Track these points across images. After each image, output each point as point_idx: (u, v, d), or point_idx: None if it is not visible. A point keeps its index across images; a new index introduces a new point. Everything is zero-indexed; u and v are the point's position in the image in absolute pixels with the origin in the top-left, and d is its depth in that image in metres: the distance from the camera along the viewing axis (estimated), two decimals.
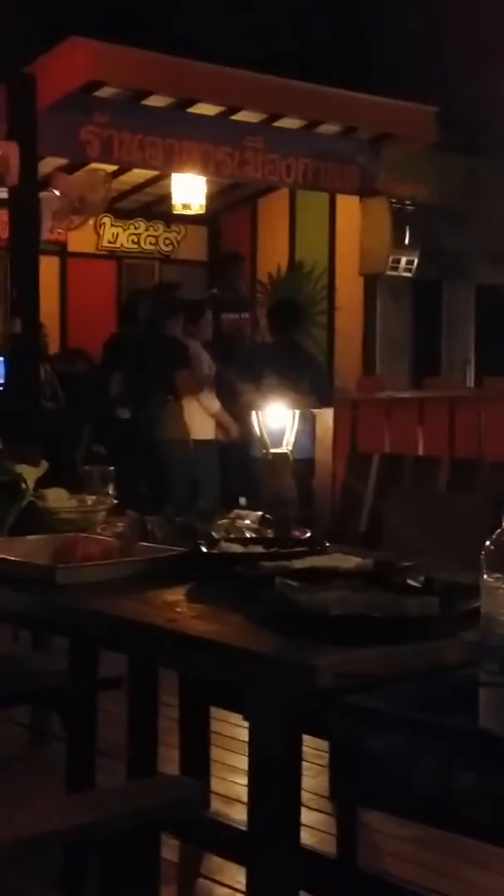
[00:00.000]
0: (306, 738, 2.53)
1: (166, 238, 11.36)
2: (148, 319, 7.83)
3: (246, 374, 7.14)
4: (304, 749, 2.12)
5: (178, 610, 2.26)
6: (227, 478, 7.42)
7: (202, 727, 3.28)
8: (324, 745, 3.10)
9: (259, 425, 4.69)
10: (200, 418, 7.36)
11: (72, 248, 10.73)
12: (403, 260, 9.90)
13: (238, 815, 3.25)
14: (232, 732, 3.84)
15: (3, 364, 8.82)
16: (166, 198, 10.04)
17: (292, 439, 4.46)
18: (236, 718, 3.52)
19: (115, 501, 3.12)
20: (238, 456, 7.28)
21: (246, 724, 2.05)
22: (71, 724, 3.36)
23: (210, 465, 7.39)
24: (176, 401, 7.30)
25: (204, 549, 2.61)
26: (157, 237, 11.32)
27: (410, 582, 2.23)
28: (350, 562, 2.44)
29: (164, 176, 9.77)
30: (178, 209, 9.81)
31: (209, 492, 7.25)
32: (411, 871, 3.26)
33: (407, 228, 9.86)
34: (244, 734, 2.11)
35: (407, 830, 3.31)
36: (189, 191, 9.64)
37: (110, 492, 3.14)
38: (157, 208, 10.88)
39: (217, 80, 8.76)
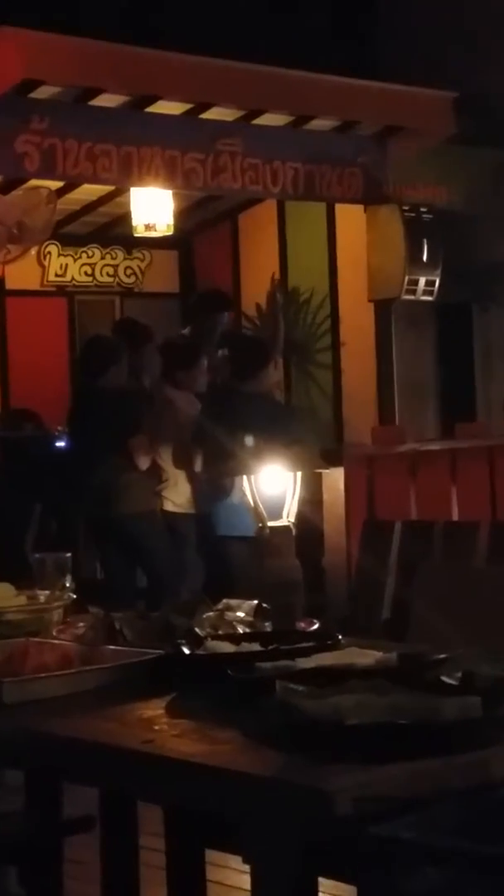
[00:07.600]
0: (325, 882, 2.52)
1: (127, 267, 11.45)
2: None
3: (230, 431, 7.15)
4: None
5: (157, 728, 2.27)
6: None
7: (195, 875, 3.26)
8: (348, 890, 3.09)
9: (252, 494, 4.69)
10: (184, 487, 7.36)
11: (11, 285, 10.81)
12: (422, 281, 9.98)
13: None
14: (233, 880, 3.82)
15: None
16: (125, 218, 10.13)
17: (294, 509, 4.48)
18: (237, 862, 3.51)
19: (74, 596, 3.12)
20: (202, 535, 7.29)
21: (247, 868, 2.04)
22: (30, 879, 3.34)
23: (192, 545, 7.39)
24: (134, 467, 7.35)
25: (186, 650, 2.61)
26: (115, 267, 11.40)
27: (445, 679, 2.24)
28: (369, 657, 2.45)
29: (122, 192, 9.87)
30: (139, 231, 9.90)
31: (194, 577, 7.25)
32: None
33: (424, 241, 9.94)
34: (247, 882, 2.10)
35: None
36: (153, 208, 9.74)
37: (67, 584, 3.14)
38: (115, 231, 10.98)
39: (181, 72, 8.89)
